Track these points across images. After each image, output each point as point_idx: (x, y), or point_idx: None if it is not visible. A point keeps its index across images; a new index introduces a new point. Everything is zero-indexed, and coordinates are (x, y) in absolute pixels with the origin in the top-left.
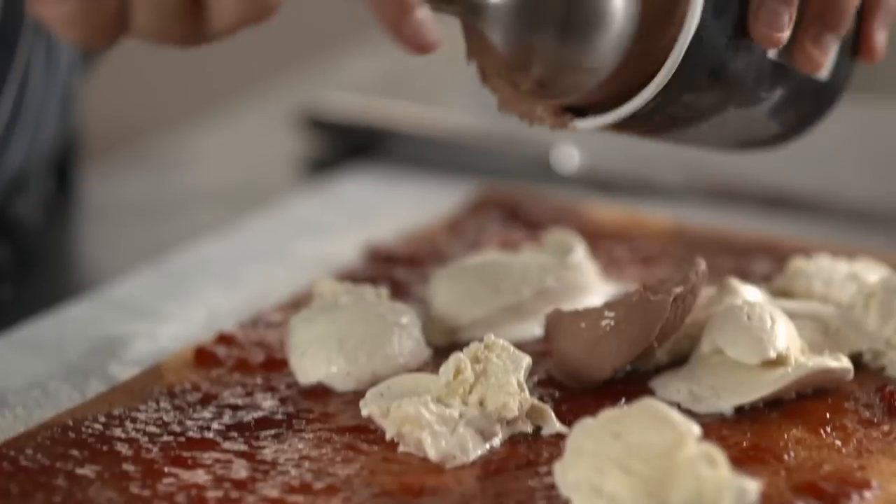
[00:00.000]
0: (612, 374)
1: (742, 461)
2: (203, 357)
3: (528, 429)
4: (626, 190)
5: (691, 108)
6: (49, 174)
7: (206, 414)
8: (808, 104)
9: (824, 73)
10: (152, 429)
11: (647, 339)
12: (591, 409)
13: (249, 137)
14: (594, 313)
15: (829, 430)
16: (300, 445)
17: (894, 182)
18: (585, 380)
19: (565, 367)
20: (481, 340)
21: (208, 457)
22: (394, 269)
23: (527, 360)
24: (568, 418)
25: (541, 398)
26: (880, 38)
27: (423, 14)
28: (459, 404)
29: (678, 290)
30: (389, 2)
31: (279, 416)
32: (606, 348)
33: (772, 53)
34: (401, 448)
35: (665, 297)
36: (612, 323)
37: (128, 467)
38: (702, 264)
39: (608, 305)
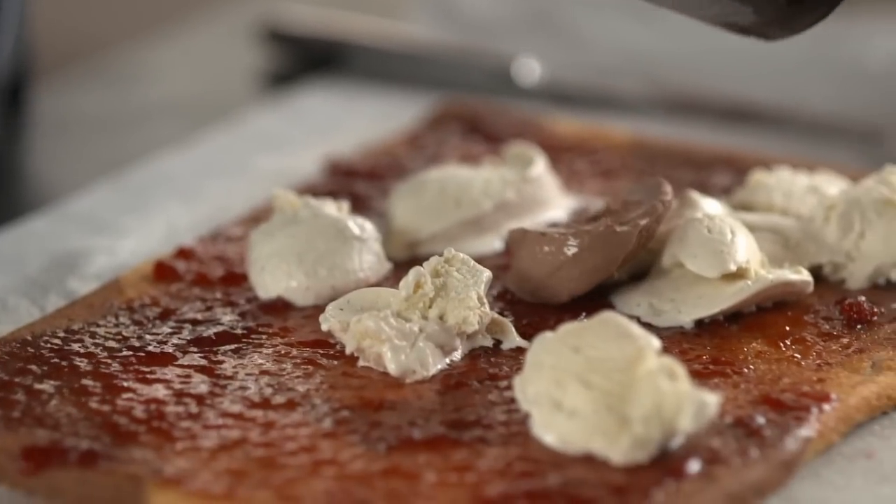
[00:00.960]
0: (568, 299)
1: (702, 374)
2: (162, 271)
3: (489, 343)
4: (587, 103)
5: None
6: (6, 89)
7: (166, 328)
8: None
9: None
10: (112, 343)
11: (609, 270)
12: (551, 322)
13: (209, 51)
14: (558, 238)
15: (788, 342)
16: (259, 360)
17: (854, 95)
18: (542, 300)
19: (522, 286)
20: (441, 254)
21: (168, 371)
22: (354, 183)
23: (487, 274)
24: (528, 332)
25: (501, 312)
26: None
27: None
28: (419, 318)
29: (644, 221)
30: None
31: (239, 331)
32: (567, 275)
33: None
34: (360, 362)
35: (632, 229)
36: (576, 250)
37: (87, 382)
38: (669, 193)
39: (574, 232)
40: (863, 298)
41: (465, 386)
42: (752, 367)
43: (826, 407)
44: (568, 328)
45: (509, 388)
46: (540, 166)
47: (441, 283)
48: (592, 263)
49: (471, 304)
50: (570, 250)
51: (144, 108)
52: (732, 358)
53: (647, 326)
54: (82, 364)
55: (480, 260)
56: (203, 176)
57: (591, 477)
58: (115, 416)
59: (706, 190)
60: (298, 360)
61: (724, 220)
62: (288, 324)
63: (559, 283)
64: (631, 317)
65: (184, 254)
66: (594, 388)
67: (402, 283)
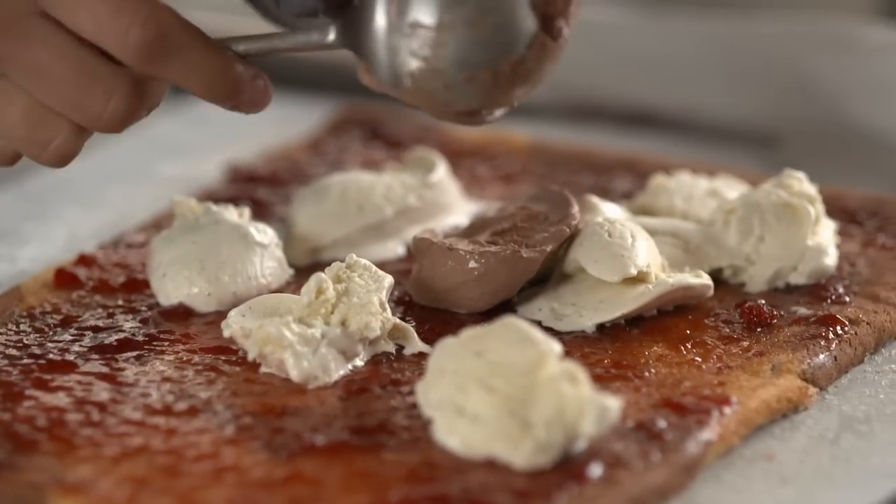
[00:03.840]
0: (467, 313)
1: (603, 379)
2: (63, 278)
3: (391, 348)
4: None
5: None
6: None
7: (67, 336)
8: None
9: None
10: (12, 351)
11: (510, 292)
12: (453, 327)
13: None
14: (463, 256)
15: (689, 346)
16: (161, 367)
17: (753, 99)
18: (441, 308)
19: (422, 294)
20: (343, 260)
21: (69, 379)
22: (255, 189)
23: (389, 280)
24: (430, 337)
25: (403, 317)
26: None
27: (254, 78)
28: (321, 324)
29: (550, 247)
30: (221, 85)
31: (140, 338)
32: (468, 293)
33: None
34: (263, 369)
35: (538, 255)
36: (481, 270)
37: None
38: (576, 216)
39: (480, 252)
40: (762, 302)
41: (368, 391)
42: (653, 370)
43: (727, 410)
44: (470, 333)
45: (412, 393)
46: (441, 171)
47: (343, 289)
48: (495, 286)
49: (373, 309)
50: (475, 271)
51: None
52: (633, 362)
53: (549, 331)
54: None
55: (382, 265)
56: (104, 182)
57: (494, 482)
58: (16, 424)
59: (607, 194)
60: (200, 367)
61: (625, 225)
62: (190, 330)
63: (459, 300)
64: (532, 321)
65: (85, 261)
66: (496, 393)
67: (303, 289)
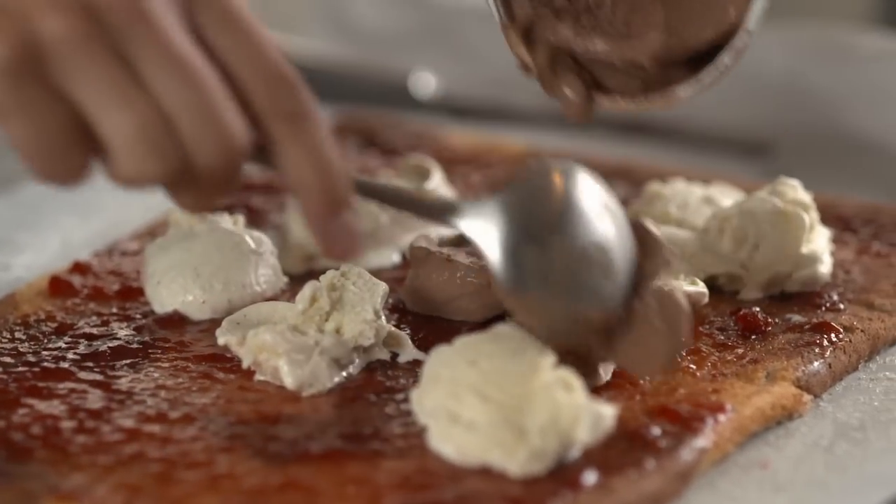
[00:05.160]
0: (462, 321)
1: (598, 386)
2: (58, 286)
3: (385, 356)
4: (483, 115)
5: None
6: None
7: (62, 344)
8: None
9: None
10: (7, 359)
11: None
12: (448, 335)
13: None
14: (460, 268)
15: (683, 353)
16: (156, 374)
17: (748, 107)
18: (436, 316)
19: (416, 302)
20: (337, 268)
21: (63, 387)
22: (250, 196)
23: (383, 288)
24: (424, 345)
25: (397, 324)
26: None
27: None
28: (316, 332)
29: None
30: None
31: (135, 346)
32: (465, 306)
33: None
34: (257, 376)
35: None
36: (477, 285)
37: None
38: None
39: (479, 267)
40: (757, 309)
41: (362, 399)
42: (647, 378)
43: (721, 417)
44: (464, 341)
45: (406, 400)
46: (436, 179)
47: (337, 297)
48: (492, 299)
49: (367, 317)
50: (472, 284)
51: None
52: None
53: None
54: None
55: (377, 273)
56: (98, 190)
57: (489, 489)
58: (11, 432)
59: None
60: (195, 375)
61: None
62: (184, 338)
63: (455, 311)
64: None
65: (79, 268)
66: (491, 401)
67: (298, 297)
